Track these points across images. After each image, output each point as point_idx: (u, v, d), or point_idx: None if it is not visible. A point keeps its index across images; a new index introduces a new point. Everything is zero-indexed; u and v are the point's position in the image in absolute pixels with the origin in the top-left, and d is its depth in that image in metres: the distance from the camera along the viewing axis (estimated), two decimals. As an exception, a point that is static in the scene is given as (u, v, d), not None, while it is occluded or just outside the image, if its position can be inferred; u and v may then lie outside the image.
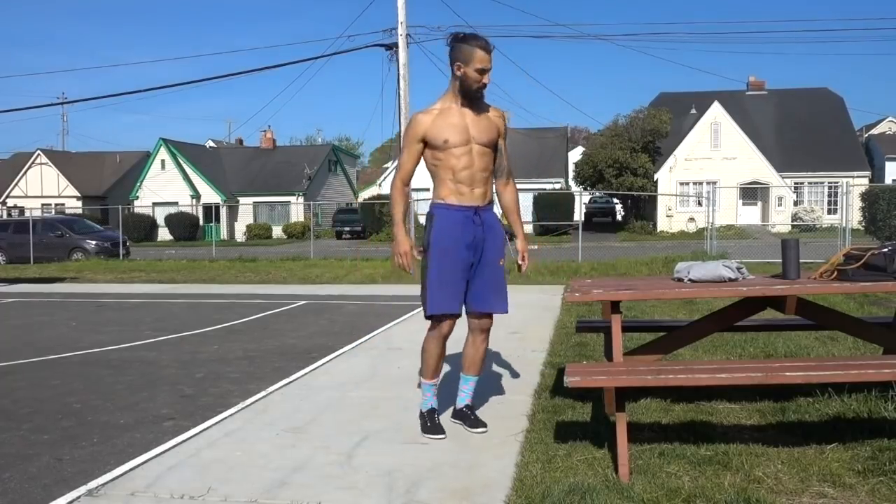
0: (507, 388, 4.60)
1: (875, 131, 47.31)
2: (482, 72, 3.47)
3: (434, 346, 3.64)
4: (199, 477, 3.15)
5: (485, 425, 3.71)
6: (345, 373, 5.18)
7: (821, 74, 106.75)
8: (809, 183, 34.69)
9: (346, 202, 43.18)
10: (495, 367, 5.16)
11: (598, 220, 41.78)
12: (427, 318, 3.60)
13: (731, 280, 3.44)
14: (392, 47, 18.89)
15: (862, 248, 3.41)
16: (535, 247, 24.37)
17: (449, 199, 3.57)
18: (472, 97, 3.56)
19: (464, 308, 3.61)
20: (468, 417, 3.76)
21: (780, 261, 3.49)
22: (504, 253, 3.69)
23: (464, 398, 3.80)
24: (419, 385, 3.85)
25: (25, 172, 42.20)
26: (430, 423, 3.69)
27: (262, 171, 42.48)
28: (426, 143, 3.56)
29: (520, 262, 3.78)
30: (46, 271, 16.54)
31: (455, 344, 3.86)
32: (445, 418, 3.81)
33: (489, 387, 4.60)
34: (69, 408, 4.38)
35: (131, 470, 3.25)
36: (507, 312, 3.66)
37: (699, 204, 31.85)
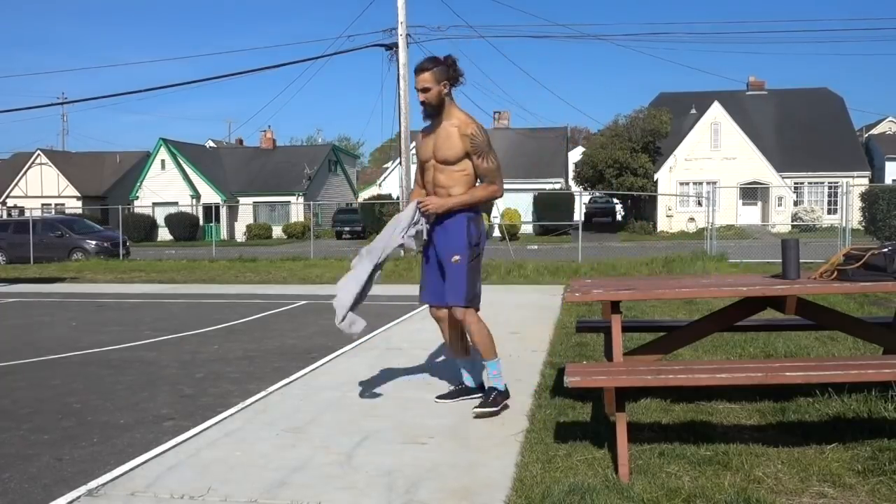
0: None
1: (875, 131, 47.29)
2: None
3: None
4: (199, 477, 3.15)
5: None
6: (345, 373, 5.18)
7: (821, 74, 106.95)
8: (809, 183, 34.68)
9: (346, 202, 43.19)
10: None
11: (598, 221, 41.77)
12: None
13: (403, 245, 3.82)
14: (392, 47, 18.90)
15: (862, 248, 3.41)
16: (536, 247, 24.38)
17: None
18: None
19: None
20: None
21: (780, 261, 3.50)
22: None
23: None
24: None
25: (25, 172, 42.21)
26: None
27: (262, 171, 42.48)
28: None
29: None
30: (46, 271, 16.53)
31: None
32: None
33: (489, 387, 4.59)
34: (69, 408, 4.38)
35: (131, 470, 3.25)
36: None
37: (699, 204, 31.84)
